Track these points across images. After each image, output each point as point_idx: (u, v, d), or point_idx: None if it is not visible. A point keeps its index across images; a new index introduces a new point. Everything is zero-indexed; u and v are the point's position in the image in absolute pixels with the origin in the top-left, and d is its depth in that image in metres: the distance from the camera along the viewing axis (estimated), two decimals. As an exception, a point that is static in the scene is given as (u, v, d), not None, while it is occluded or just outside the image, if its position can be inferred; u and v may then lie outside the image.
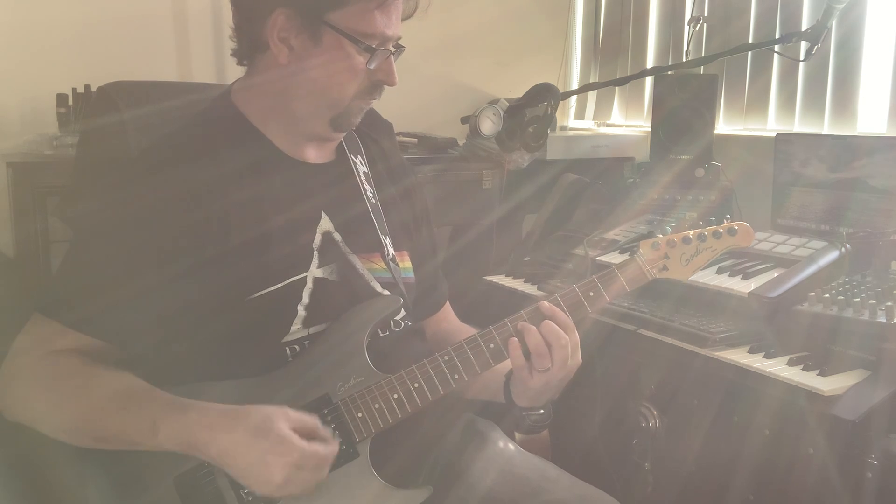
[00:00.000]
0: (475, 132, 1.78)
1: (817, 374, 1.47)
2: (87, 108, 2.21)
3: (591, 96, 3.24)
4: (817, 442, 1.42)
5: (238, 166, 1.32)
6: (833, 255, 1.72)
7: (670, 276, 1.38)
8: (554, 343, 1.28)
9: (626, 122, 3.11)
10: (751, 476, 1.57)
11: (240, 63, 1.40)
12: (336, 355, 1.28)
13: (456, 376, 1.28)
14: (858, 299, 1.54)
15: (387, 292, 1.40)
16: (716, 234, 1.38)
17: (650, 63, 2.97)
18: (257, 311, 1.28)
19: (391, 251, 1.44)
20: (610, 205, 2.32)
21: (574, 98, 3.25)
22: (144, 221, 1.25)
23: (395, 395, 1.26)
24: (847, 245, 1.72)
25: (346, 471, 1.24)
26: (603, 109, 3.20)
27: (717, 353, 1.61)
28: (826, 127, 2.38)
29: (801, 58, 2.15)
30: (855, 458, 1.38)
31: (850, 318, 1.52)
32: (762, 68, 2.55)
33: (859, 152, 1.95)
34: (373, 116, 1.49)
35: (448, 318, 1.62)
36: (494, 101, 1.79)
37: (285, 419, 1.16)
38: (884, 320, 1.48)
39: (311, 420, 1.20)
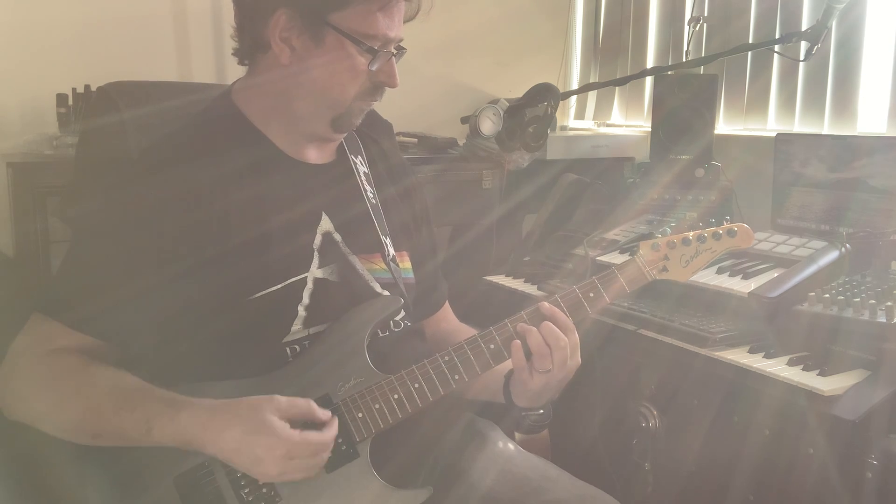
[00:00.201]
0: (475, 132, 1.78)
1: (817, 374, 1.47)
2: (87, 108, 2.21)
3: (591, 96, 3.24)
4: (817, 442, 1.42)
5: (238, 166, 1.32)
6: (833, 255, 1.72)
7: (670, 278, 1.38)
8: (553, 344, 1.28)
9: (626, 122, 3.11)
10: (751, 476, 1.57)
11: (241, 63, 1.40)
12: (336, 355, 1.29)
13: (456, 377, 1.28)
14: (858, 299, 1.54)
15: (387, 293, 1.40)
16: (715, 236, 1.38)
17: (650, 63, 2.97)
18: (258, 312, 1.28)
19: (391, 251, 1.44)
20: (610, 205, 2.32)
21: (574, 98, 3.25)
22: (144, 221, 1.25)
23: (396, 396, 1.26)
24: (847, 245, 1.72)
25: (346, 471, 1.24)
26: (603, 109, 3.20)
27: (717, 353, 1.61)
28: (826, 127, 2.38)
29: (801, 58, 2.15)
30: (855, 458, 1.38)
31: (850, 318, 1.52)
32: (762, 68, 2.55)
33: (859, 152, 1.95)
34: (373, 117, 1.49)
35: (448, 319, 1.62)
36: (494, 101, 1.79)
37: (274, 409, 1.16)
38: (884, 320, 1.48)
39: (304, 403, 1.19)
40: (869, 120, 2.30)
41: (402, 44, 1.36)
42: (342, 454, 1.24)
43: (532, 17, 3.22)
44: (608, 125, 3.16)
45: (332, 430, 1.20)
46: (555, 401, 1.41)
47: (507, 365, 1.33)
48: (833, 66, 2.34)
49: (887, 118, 2.22)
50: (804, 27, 2.34)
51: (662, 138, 2.36)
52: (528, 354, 1.29)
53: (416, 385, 1.27)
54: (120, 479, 1.25)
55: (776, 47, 2.19)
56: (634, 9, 3.03)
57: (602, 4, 3.20)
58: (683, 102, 2.31)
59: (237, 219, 1.29)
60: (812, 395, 1.43)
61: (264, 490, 1.22)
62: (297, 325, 1.30)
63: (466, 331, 1.47)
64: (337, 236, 1.38)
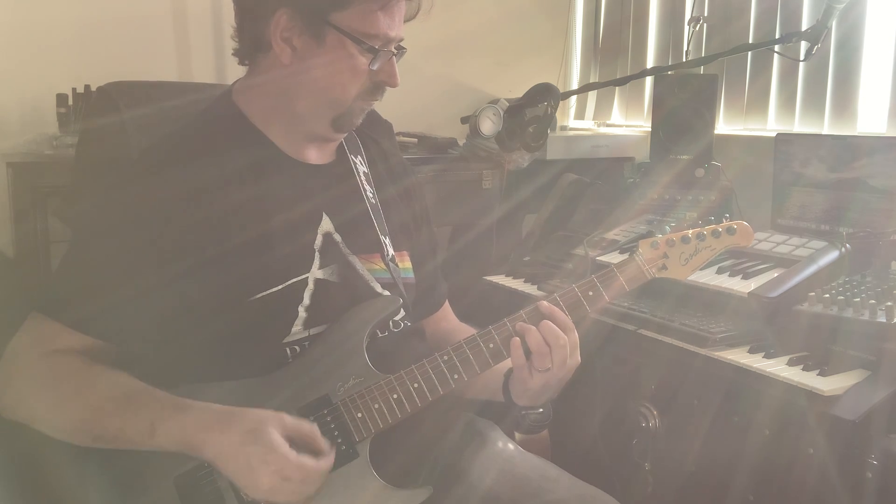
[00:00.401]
0: (475, 132, 1.78)
1: (817, 374, 1.47)
2: (87, 108, 2.21)
3: (591, 96, 3.24)
4: (817, 442, 1.42)
5: (239, 167, 1.32)
6: (833, 255, 1.72)
7: (669, 276, 1.38)
8: (553, 343, 1.28)
9: (626, 122, 3.11)
10: (751, 476, 1.57)
11: (241, 63, 1.40)
12: (335, 356, 1.28)
13: (455, 376, 1.28)
14: (858, 299, 1.54)
15: (387, 293, 1.40)
16: (715, 234, 1.38)
17: (650, 63, 2.97)
18: (258, 313, 1.28)
19: (391, 251, 1.44)
20: (610, 205, 2.32)
21: (574, 98, 3.25)
22: (144, 221, 1.25)
23: (395, 396, 1.26)
24: (847, 245, 1.72)
25: (345, 471, 1.24)
26: (603, 109, 3.20)
27: (717, 353, 1.61)
28: (826, 127, 2.38)
29: (801, 58, 2.15)
30: (855, 458, 1.38)
31: (850, 318, 1.52)
32: (762, 68, 2.55)
33: (859, 152, 1.95)
34: (373, 117, 1.49)
35: (447, 318, 1.62)
36: (494, 101, 1.79)
37: (279, 426, 1.16)
38: (884, 320, 1.48)
39: (309, 428, 1.19)
40: (869, 120, 2.30)
41: (402, 43, 1.36)
42: (342, 454, 1.23)
43: (532, 17, 3.22)
44: (608, 125, 3.16)
45: (329, 462, 1.19)
46: (555, 401, 1.41)
47: (507, 364, 1.33)
48: (833, 66, 2.34)
49: (887, 118, 2.22)
50: (804, 27, 2.34)
51: (662, 138, 2.36)
52: (528, 353, 1.29)
53: (416, 385, 1.27)
54: (120, 479, 1.25)
55: (776, 47, 2.19)
56: (634, 9, 3.03)
57: (602, 4, 3.20)
58: (683, 102, 2.31)
59: (237, 219, 1.29)
60: (812, 395, 1.43)
61: (249, 500, 1.21)
62: (297, 326, 1.30)
63: (466, 330, 1.46)
64: (337, 237, 1.38)
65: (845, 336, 1.51)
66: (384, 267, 1.42)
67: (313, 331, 1.31)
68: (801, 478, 1.46)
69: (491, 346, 1.30)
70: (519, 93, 1.86)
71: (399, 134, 2.36)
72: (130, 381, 1.23)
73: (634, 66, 3.03)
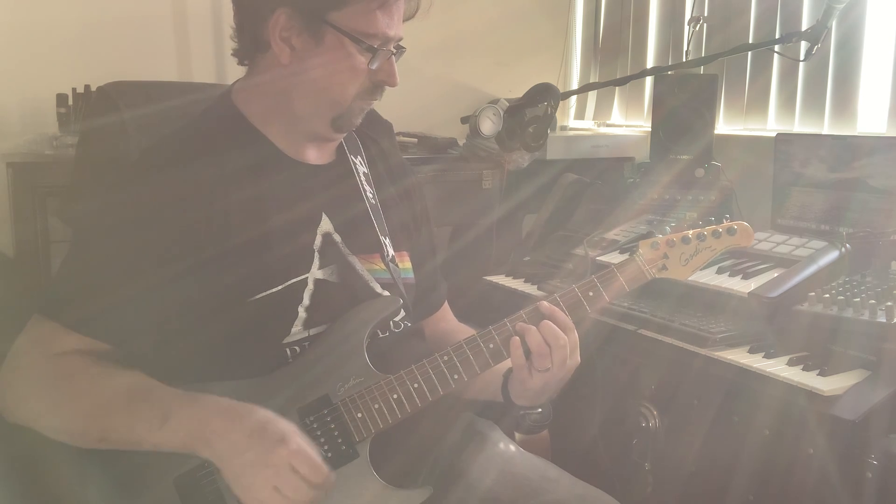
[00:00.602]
0: (475, 132, 1.78)
1: (817, 374, 1.47)
2: (87, 108, 2.21)
3: (591, 96, 3.24)
4: (817, 442, 1.42)
5: (238, 167, 1.32)
6: (833, 255, 1.72)
7: (669, 276, 1.38)
8: (553, 343, 1.28)
9: (626, 122, 3.11)
10: (751, 476, 1.57)
11: (240, 63, 1.40)
12: (335, 356, 1.28)
13: (455, 376, 1.28)
14: (858, 299, 1.54)
15: (387, 293, 1.40)
16: (715, 234, 1.38)
17: (650, 63, 2.97)
18: (258, 313, 1.28)
19: (391, 252, 1.44)
20: (610, 205, 2.32)
21: (574, 98, 3.25)
22: (144, 222, 1.25)
23: (395, 396, 1.26)
24: (847, 245, 1.72)
25: (345, 471, 1.24)
26: (603, 109, 3.20)
27: (717, 353, 1.60)
28: (826, 127, 2.38)
29: (801, 58, 2.14)
30: (855, 458, 1.38)
31: (850, 318, 1.52)
32: (762, 68, 2.55)
33: (859, 152, 1.95)
34: (373, 117, 1.49)
35: (447, 318, 1.62)
36: (494, 101, 1.79)
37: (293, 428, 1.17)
38: (884, 320, 1.48)
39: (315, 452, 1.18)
40: (869, 120, 2.30)
41: (401, 43, 1.36)
42: (341, 454, 1.24)
43: (532, 17, 3.22)
44: (608, 125, 3.16)
45: (331, 479, 1.19)
46: (555, 401, 1.41)
47: (507, 364, 1.33)
48: (833, 66, 2.34)
49: (887, 118, 2.22)
50: (804, 27, 2.34)
51: (662, 138, 2.36)
52: (528, 353, 1.29)
53: (416, 385, 1.27)
54: (120, 479, 1.25)
55: (776, 47, 2.19)
56: (634, 9, 3.03)
57: (602, 4, 3.20)
58: (683, 102, 2.31)
59: (237, 219, 1.29)
60: (812, 395, 1.43)
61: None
62: (297, 327, 1.30)
63: (465, 331, 1.47)
64: (337, 237, 1.38)
65: (845, 336, 1.51)
66: (384, 267, 1.42)
67: (313, 331, 1.31)
68: (801, 478, 1.46)
69: (491, 346, 1.30)
70: (519, 93, 1.86)
71: (399, 134, 2.36)
72: (140, 375, 1.22)
73: (634, 66, 3.03)
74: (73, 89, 2.34)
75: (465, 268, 2.36)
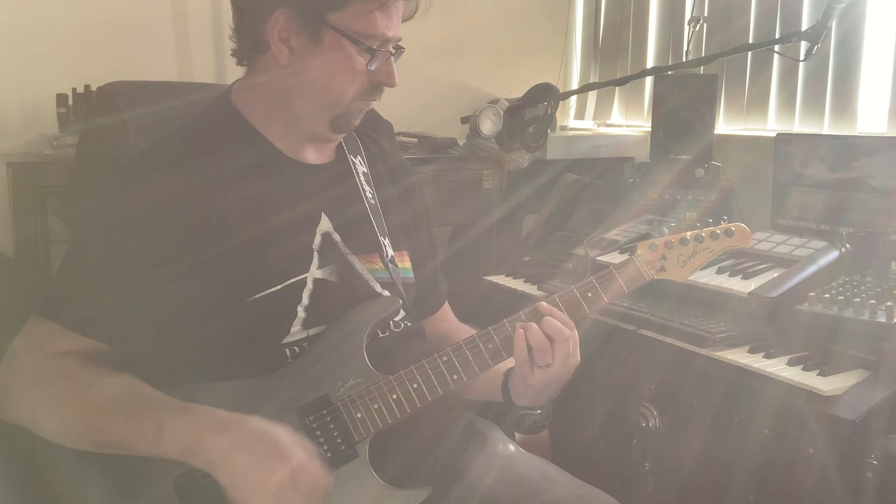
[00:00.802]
0: (475, 132, 1.78)
1: (817, 374, 1.47)
2: (87, 108, 2.21)
3: (591, 96, 3.24)
4: (817, 442, 1.42)
5: (237, 167, 1.32)
6: (833, 255, 1.72)
7: (668, 277, 1.38)
8: (556, 337, 1.28)
9: (626, 122, 3.11)
10: (751, 476, 1.57)
11: (239, 63, 1.40)
12: (335, 356, 1.28)
13: (455, 377, 1.28)
14: (858, 299, 1.54)
15: (387, 293, 1.40)
16: (713, 236, 1.38)
17: (650, 63, 2.97)
18: (257, 313, 1.28)
19: (390, 252, 1.44)
20: (610, 205, 2.32)
21: (574, 98, 3.25)
22: (144, 222, 1.25)
23: (394, 396, 1.26)
24: (847, 245, 1.72)
25: (345, 471, 1.24)
26: (603, 109, 3.20)
27: (717, 353, 1.61)
28: (826, 127, 2.38)
29: (801, 58, 2.14)
30: (855, 458, 1.38)
31: (850, 318, 1.52)
32: (762, 68, 2.55)
33: (859, 152, 1.95)
34: (373, 116, 1.49)
35: (447, 318, 1.62)
36: (494, 101, 1.79)
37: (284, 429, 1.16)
38: (884, 320, 1.48)
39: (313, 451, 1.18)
40: (869, 120, 2.30)
41: (401, 43, 1.36)
42: (341, 454, 1.24)
43: (532, 17, 3.22)
44: (608, 125, 3.16)
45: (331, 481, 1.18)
46: (555, 401, 1.41)
47: (507, 364, 1.33)
48: (833, 66, 2.34)
49: (887, 118, 2.22)
50: (804, 27, 2.34)
51: (662, 138, 2.36)
52: (529, 349, 1.29)
53: (415, 385, 1.27)
54: (120, 479, 1.25)
55: (776, 47, 2.19)
56: (634, 9, 3.03)
57: (602, 4, 3.20)
58: (683, 102, 2.32)
59: (236, 219, 1.29)
60: (812, 395, 1.43)
61: None
62: (296, 326, 1.30)
63: (466, 330, 1.47)
64: (336, 237, 1.38)
65: (845, 336, 1.52)
66: (384, 267, 1.42)
67: (312, 331, 1.31)
68: (801, 478, 1.46)
69: (490, 347, 1.30)
70: (519, 93, 1.86)
71: (399, 134, 2.36)
72: (133, 383, 1.22)
73: (634, 66, 3.03)
74: (73, 89, 2.34)
75: (465, 268, 2.36)
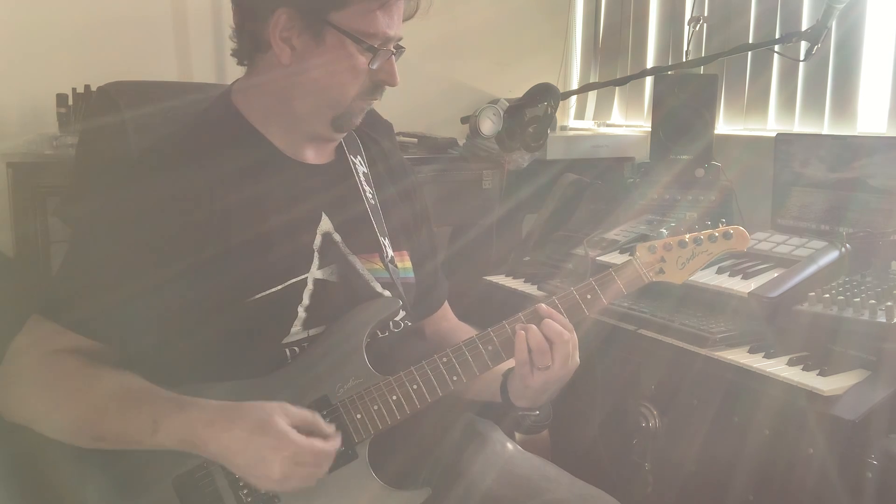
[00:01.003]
0: (475, 132, 1.78)
1: (817, 374, 1.47)
2: (87, 108, 2.21)
3: (591, 96, 3.24)
4: (817, 442, 1.42)
5: (238, 167, 1.32)
6: (833, 255, 1.72)
7: (666, 279, 1.39)
8: (556, 339, 1.28)
9: (626, 122, 3.11)
10: (751, 476, 1.57)
11: (240, 63, 1.40)
12: (335, 357, 1.28)
13: (454, 378, 1.28)
14: (858, 299, 1.54)
15: (388, 293, 1.40)
16: (711, 238, 1.39)
17: (650, 63, 2.97)
18: (257, 313, 1.28)
19: (390, 252, 1.44)
20: (610, 205, 2.32)
21: (574, 98, 3.25)
22: (144, 222, 1.25)
23: (394, 397, 1.26)
24: (847, 245, 1.72)
25: (344, 472, 1.24)
26: (603, 109, 3.20)
27: (717, 353, 1.61)
28: (826, 127, 2.38)
29: (801, 58, 2.14)
30: (855, 458, 1.38)
31: (850, 318, 1.52)
32: (762, 68, 2.55)
33: (859, 152, 1.95)
34: (373, 116, 1.49)
35: (447, 318, 1.62)
36: (494, 101, 1.79)
37: (283, 415, 1.16)
38: (884, 320, 1.48)
39: (311, 416, 1.20)
40: (869, 120, 2.30)
41: (401, 43, 1.36)
42: (341, 455, 1.23)
43: (532, 17, 3.22)
44: (608, 125, 3.16)
45: (336, 442, 1.20)
46: (554, 401, 1.41)
47: (506, 365, 1.33)
48: (833, 66, 2.34)
49: (887, 118, 2.22)
50: (804, 27, 2.34)
51: (662, 138, 2.36)
52: (529, 351, 1.29)
53: (415, 386, 1.27)
54: (119, 479, 1.25)
55: (776, 47, 2.19)
56: (634, 9, 3.03)
57: (602, 4, 3.20)
58: (683, 102, 2.31)
59: (237, 219, 1.29)
60: (812, 395, 1.43)
61: (263, 491, 1.21)
62: (296, 327, 1.30)
63: (466, 330, 1.47)
64: (336, 237, 1.38)
65: (845, 336, 1.52)
66: (384, 267, 1.41)
67: (312, 331, 1.31)
68: (801, 478, 1.46)
69: (489, 348, 1.30)
70: (519, 93, 1.86)
71: (399, 134, 2.36)
72: (131, 379, 1.23)
73: (634, 66, 3.03)
74: (73, 89, 2.34)
75: (465, 268, 2.36)
